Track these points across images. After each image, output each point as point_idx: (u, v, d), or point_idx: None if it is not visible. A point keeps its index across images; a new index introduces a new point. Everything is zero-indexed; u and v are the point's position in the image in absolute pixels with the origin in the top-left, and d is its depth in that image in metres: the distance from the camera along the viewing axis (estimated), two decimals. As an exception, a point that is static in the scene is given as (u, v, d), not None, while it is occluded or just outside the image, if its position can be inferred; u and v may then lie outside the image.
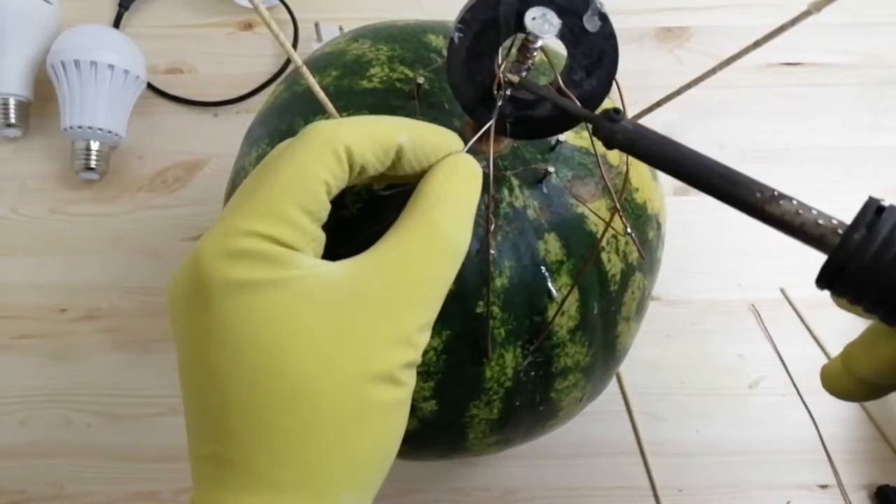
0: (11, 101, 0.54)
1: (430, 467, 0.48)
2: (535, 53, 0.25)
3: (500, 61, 0.26)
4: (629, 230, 0.32)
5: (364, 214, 0.29)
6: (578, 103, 0.25)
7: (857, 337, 0.25)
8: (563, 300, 0.30)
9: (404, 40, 0.34)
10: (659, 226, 0.36)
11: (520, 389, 0.32)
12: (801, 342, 0.51)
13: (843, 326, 0.50)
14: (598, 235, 0.31)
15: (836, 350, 0.48)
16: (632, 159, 0.32)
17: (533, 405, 0.33)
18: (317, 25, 0.59)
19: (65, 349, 0.51)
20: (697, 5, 0.61)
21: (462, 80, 0.26)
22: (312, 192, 0.22)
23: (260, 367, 0.21)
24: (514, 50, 0.26)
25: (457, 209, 0.23)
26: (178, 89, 0.58)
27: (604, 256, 0.32)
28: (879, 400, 0.27)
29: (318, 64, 0.35)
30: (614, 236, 0.32)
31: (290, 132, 0.32)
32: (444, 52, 0.30)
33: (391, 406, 0.22)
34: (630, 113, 0.27)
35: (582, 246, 0.31)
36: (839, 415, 0.49)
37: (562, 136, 0.31)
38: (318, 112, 0.32)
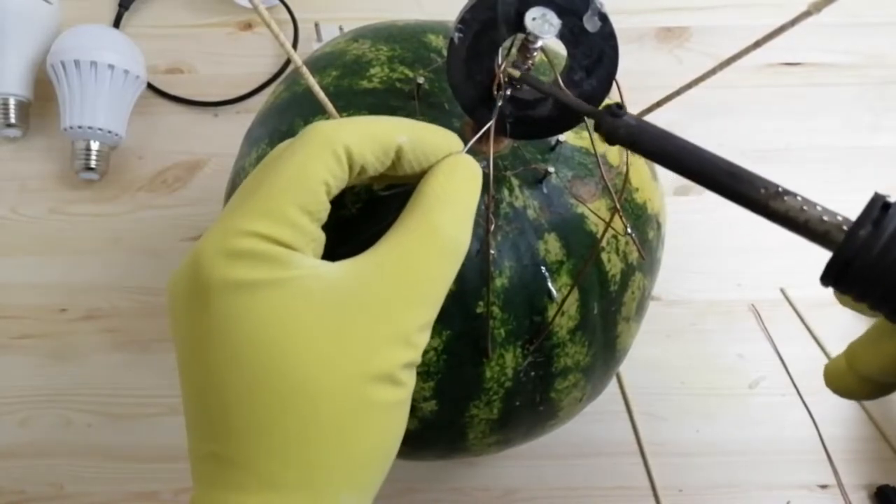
0: (11, 101, 0.54)
1: (430, 467, 0.48)
2: (535, 53, 0.25)
3: (500, 61, 0.26)
4: (629, 230, 0.32)
5: (364, 215, 0.29)
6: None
7: (862, 334, 0.25)
8: (563, 300, 0.30)
9: (404, 40, 0.34)
10: (659, 226, 0.36)
11: (520, 389, 0.32)
12: (801, 342, 0.51)
13: (844, 326, 0.50)
14: (598, 235, 0.31)
15: (836, 350, 0.48)
16: (632, 159, 0.33)
17: (533, 405, 0.33)
18: (317, 25, 0.59)
19: (65, 349, 0.51)
20: (697, 5, 0.61)
21: (462, 80, 0.26)
22: (312, 192, 0.22)
23: (260, 367, 0.21)
24: (514, 50, 0.26)
25: (457, 209, 0.23)
26: (178, 89, 0.58)
27: (604, 256, 0.32)
28: (879, 400, 0.27)
29: (318, 64, 0.35)
30: (614, 236, 0.32)
31: (290, 132, 0.32)
32: (444, 52, 0.30)
33: (391, 406, 0.22)
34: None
35: (582, 246, 0.31)
36: (839, 415, 0.49)
37: (562, 137, 0.31)
38: (318, 112, 0.32)
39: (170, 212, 0.55)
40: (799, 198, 0.20)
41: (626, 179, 0.32)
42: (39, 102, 0.57)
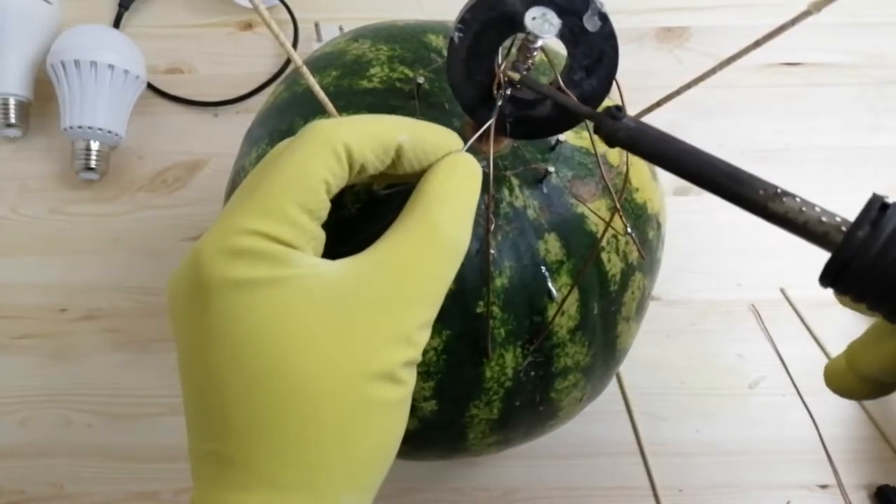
0: (11, 101, 0.54)
1: (430, 467, 0.48)
2: (535, 53, 0.25)
3: (500, 61, 0.26)
4: (629, 230, 0.32)
5: (363, 214, 0.29)
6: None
7: (862, 334, 0.25)
8: (563, 300, 0.30)
9: (404, 40, 0.34)
10: (659, 226, 0.36)
11: (520, 389, 0.32)
12: (801, 342, 0.51)
13: (844, 326, 0.50)
14: (599, 235, 0.31)
15: (835, 350, 0.48)
16: (632, 159, 0.33)
17: (533, 405, 0.33)
18: (317, 25, 0.59)
19: (65, 349, 0.51)
20: (697, 5, 0.61)
21: (462, 80, 0.26)
22: (312, 190, 0.22)
23: (259, 366, 0.21)
24: (514, 50, 0.26)
25: (457, 208, 0.23)
26: (178, 89, 0.58)
27: (604, 256, 0.32)
28: (879, 400, 0.27)
29: (318, 64, 0.35)
30: (614, 236, 0.32)
31: (290, 132, 0.32)
32: (444, 52, 0.30)
33: (391, 405, 0.22)
34: (630, 113, 0.27)
35: (582, 246, 0.31)
36: (839, 415, 0.49)
37: (562, 136, 0.31)
38: (318, 112, 0.32)
39: (170, 212, 0.55)
40: (798, 199, 0.20)
41: (626, 179, 0.32)
42: (39, 102, 0.57)
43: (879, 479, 0.47)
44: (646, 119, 0.25)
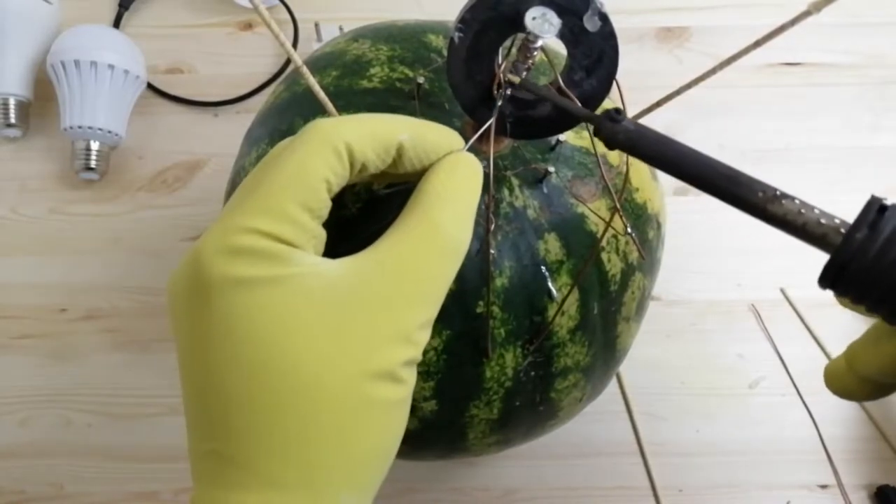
0: (11, 101, 0.54)
1: (430, 467, 0.48)
2: (535, 53, 0.25)
3: (500, 61, 0.26)
4: (629, 230, 0.32)
5: (364, 214, 0.29)
6: (579, 103, 0.25)
7: (861, 336, 0.25)
8: (563, 300, 0.30)
9: (404, 40, 0.34)
10: (659, 226, 0.36)
11: (520, 389, 0.32)
12: (801, 342, 0.51)
13: (844, 326, 0.50)
14: (599, 235, 0.31)
15: (835, 350, 0.48)
16: (632, 159, 0.33)
17: (533, 405, 0.33)
18: (317, 25, 0.59)
19: (65, 349, 0.51)
20: (697, 5, 0.61)
21: (462, 80, 0.26)
22: (313, 189, 0.22)
23: (259, 366, 0.21)
24: (514, 50, 0.26)
25: (457, 207, 0.23)
26: (178, 89, 0.58)
27: (604, 256, 0.32)
28: (880, 400, 0.27)
29: (318, 64, 0.35)
30: (614, 236, 0.32)
31: (290, 132, 0.32)
32: (444, 52, 0.30)
33: (391, 404, 0.22)
34: (630, 113, 0.27)
35: (582, 246, 0.31)
36: (839, 415, 0.49)
37: (562, 136, 0.31)
38: (318, 112, 0.32)
39: (170, 212, 0.55)
40: (797, 201, 0.20)
41: (626, 179, 0.32)
42: (39, 102, 0.57)
43: (879, 479, 0.47)
44: (646, 119, 0.25)
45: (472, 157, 0.25)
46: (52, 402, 0.50)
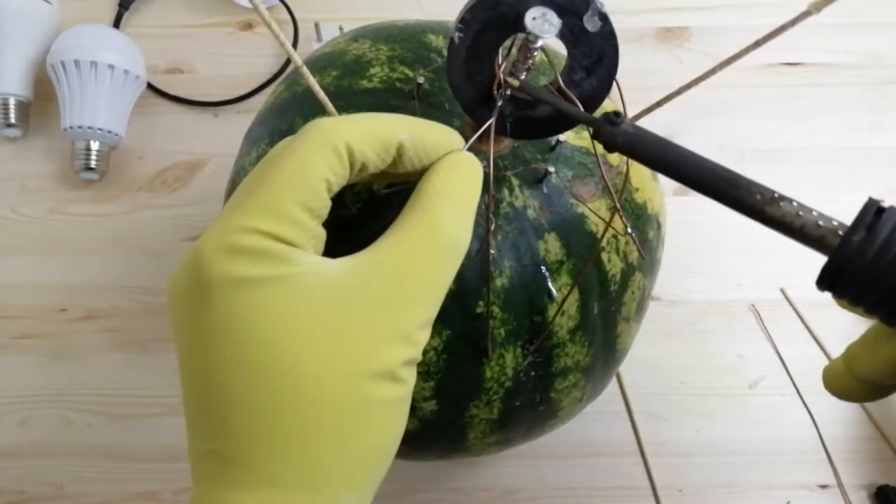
0: (11, 101, 0.54)
1: (430, 467, 0.48)
2: (535, 53, 0.25)
3: (500, 61, 0.26)
4: (629, 230, 0.32)
5: (364, 213, 0.29)
6: (579, 104, 0.25)
7: (859, 337, 0.25)
8: (563, 300, 0.30)
9: (404, 40, 0.34)
10: (659, 226, 0.36)
11: (520, 389, 0.32)
12: (801, 342, 0.51)
13: (844, 327, 0.50)
14: (599, 235, 0.31)
15: (836, 350, 0.48)
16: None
17: (533, 405, 0.33)
18: (317, 25, 0.59)
19: (65, 349, 0.51)
20: (697, 5, 0.61)
21: (462, 80, 0.26)
22: (313, 188, 0.22)
23: (259, 365, 0.21)
24: (514, 50, 0.26)
25: (457, 207, 0.23)
26: (178, 89, 0.58)
27: (604, 256, 0.32)
28: (880, 400, 0.27)
29: (318, 64, 0.35)
30: (614, 236, 0.32)
31: (290, 132, 0.32)
32: (444, 52, 0.30)
33: (391, 404, 0.22)
34: (630, 113, 0.27)
35: (582, 246, 0.31)
36: (839, 415, 0.49)
37: (562, 136, 0.31)
38: (318, 112, 0.32)
39: (170, 212, 0.55)
40: (795, 203, 0.20)
41: (626, 179, 0.32)
42: (39, 102, 0.57)
43: (879, 479, 0.47)
44: (646, 119, 0.25)
45: (472, 156, 0.25)
46: (52, 402, 0.50)
